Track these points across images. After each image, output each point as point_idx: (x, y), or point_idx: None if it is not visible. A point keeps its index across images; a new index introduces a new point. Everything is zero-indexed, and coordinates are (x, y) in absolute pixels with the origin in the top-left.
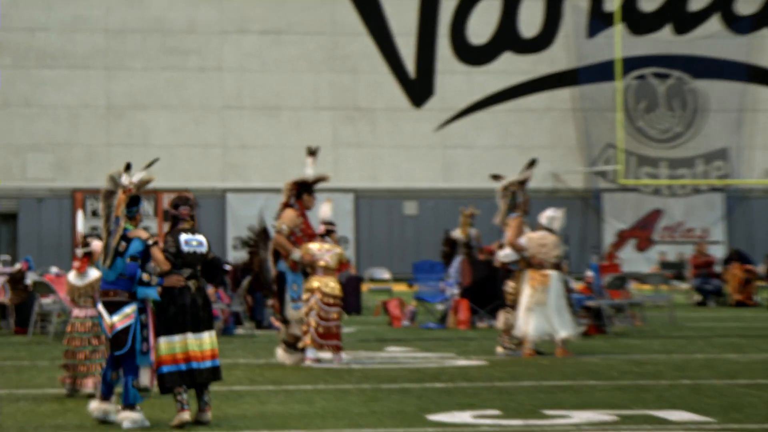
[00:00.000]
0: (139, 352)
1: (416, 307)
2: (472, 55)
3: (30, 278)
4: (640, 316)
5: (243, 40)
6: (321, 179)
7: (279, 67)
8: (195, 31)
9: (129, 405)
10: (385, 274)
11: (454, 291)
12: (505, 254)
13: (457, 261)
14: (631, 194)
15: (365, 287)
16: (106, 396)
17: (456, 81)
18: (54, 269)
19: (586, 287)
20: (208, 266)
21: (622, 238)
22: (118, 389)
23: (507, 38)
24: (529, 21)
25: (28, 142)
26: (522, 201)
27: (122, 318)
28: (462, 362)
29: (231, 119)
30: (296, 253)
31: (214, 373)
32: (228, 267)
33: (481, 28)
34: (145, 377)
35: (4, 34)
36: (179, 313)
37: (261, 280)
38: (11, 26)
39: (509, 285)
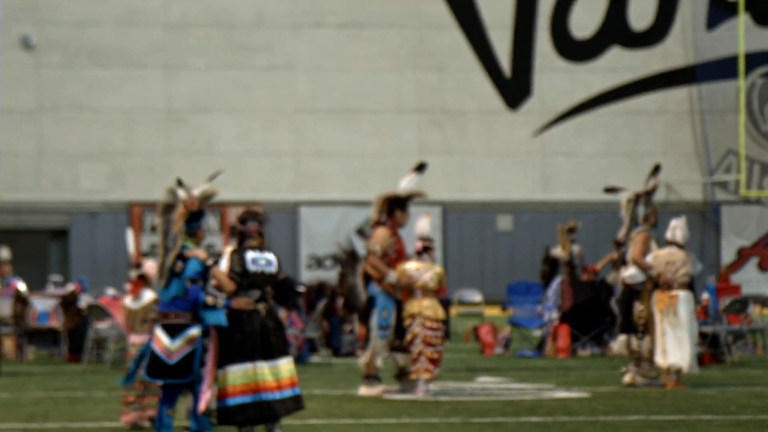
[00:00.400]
0: (199, 376)
1: (510, 332)
2: (575, 51)
3: (84, 301)
4: (762, 344)
5: (317, 34)
6: (415, 195)
7: (358, 65)
8: (264, 25)
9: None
10: (476, 297)
11: (553, 315)
12: (630, 274)
13: (557, 282)
14: (754, 207)
15: (454, 311)
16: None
17: (557, 80)
18: (110, 291)
19: (702, 311)
20: (280, 287)
21: (743, 256)
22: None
23: (615, 31)
24: (641, 11)
25: (79, 151)
26: (647, 213)
27: (185, 343)
28: (562, 394)
29: (304, 124)
30: (392, 276)
31: (297, 402)
32: (301, 288)
33: (585, 19)
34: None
35: (52, 29)
36: (247, 339)
37: (350, 307)
38: (59, 20)
39: (637, 307)
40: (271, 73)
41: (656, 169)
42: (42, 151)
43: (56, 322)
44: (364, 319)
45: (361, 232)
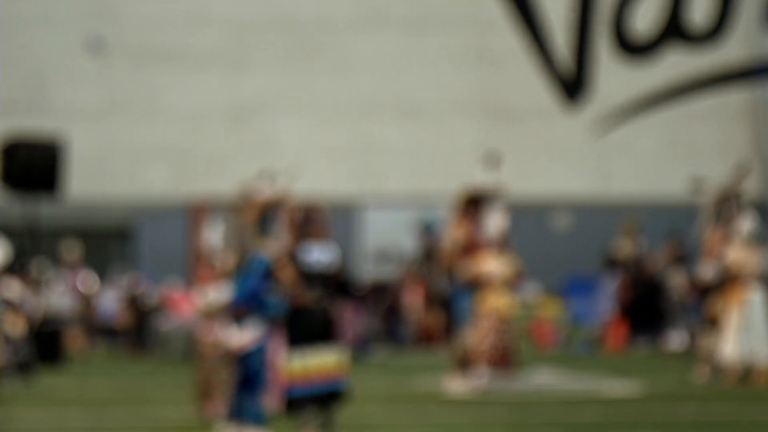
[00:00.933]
0: (264, 371)
1: (567, 328)
2: (634, 50)
3: (149, 297)
4: None
5: (379, 35)
6: (496, 195)
7: (418, 65)
8: (326, 26)
9: (256, 422)
10: (534, 292)
11: (611, 311)
12: (705, 271)
13: (615, 278)
14: None
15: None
16: (239, 417)
17: (615, 79)
18: (175, 287)
19: None
20: (341, 284)
21: None
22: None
23: (674, 30)
24: (700, 10)
25: (144, 150)
26: (728, 212)
27: (253, 338)
28: (618, 389)
29: (365, 123)
30: (466, 269)
31: (342, 394)
32: (359, 291)
33: (644, 18)
34: (268, 396)
35: (118, 29)
36: (307, 333)
37: (432, 299)
38: (126, 21)
39: (713, 304)
40: (332, 74)
41: (746, 170)
42: (108, 150)
43: (122, 318)
44: (446, 311)
45: (428, 229)
